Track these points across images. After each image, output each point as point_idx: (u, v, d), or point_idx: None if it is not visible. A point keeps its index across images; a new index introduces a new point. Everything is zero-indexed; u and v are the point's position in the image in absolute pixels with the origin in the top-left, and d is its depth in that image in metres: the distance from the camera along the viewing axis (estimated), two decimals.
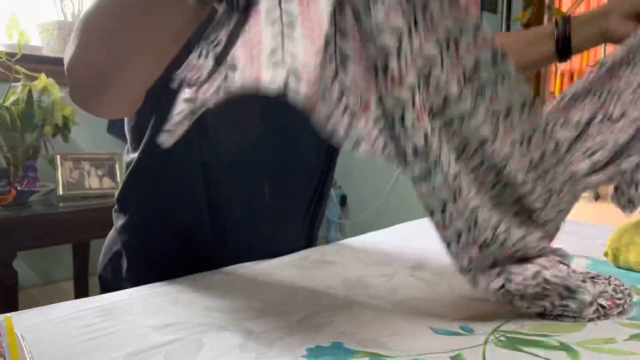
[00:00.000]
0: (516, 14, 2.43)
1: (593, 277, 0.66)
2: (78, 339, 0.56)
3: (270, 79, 0.38)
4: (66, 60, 0.61)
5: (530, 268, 0.58)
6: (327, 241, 1.09)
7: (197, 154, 0.80)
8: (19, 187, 1.78)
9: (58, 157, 1.97)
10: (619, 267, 0.84)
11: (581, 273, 0.67)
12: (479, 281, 0.58)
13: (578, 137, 0.58)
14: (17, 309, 0.59)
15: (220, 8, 0.43)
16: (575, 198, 0.59)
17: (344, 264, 0.84)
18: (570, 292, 0.58)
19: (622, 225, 0.88)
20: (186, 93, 0.41)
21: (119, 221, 0.92)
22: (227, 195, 0.82)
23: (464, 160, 0.53)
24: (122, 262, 0.92)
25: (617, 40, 0.82)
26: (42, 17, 2.29)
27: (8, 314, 0.60)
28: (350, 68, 0.46)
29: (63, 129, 1.96)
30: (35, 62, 2.05)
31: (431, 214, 0.53)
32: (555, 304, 0.59)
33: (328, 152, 1.00)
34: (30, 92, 1.83)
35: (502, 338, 0.57)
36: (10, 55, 1.86)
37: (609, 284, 0.65)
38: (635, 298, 0.70)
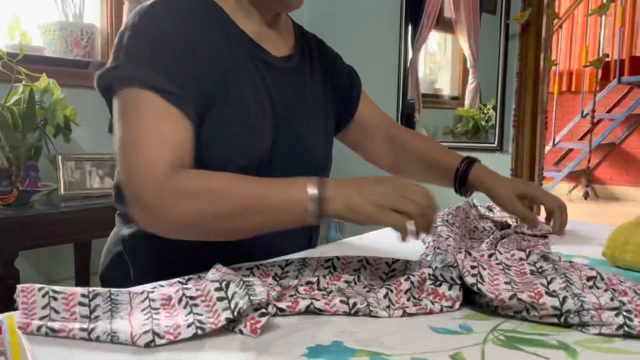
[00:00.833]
0: (515, 15, 2.42)
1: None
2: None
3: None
4: (172, 212, 0.71)
5: None
6: (327, 241, 1.09)
7: (220, 161, 0.81)
8: (20, 187, 1.79)
9: (60, 157, 1.97)
10: (617, 267, 0.85)
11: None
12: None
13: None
14: (18, 308, 0.60)
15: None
16: None
17: None
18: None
19: (621, 225, 0.88)
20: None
21: (125, 229, 0.92)
22: None
23: None
24: (125, 263, 0.92)
25: (497, 203, 0.96)
26: (44, 18, 2.30)
27: (10, 313, 0.60)
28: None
29: (64, 129, 1.96)
30: (36, 63, 2.06)
31: None
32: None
33: (329, 155, 1.01)
34: (31, 92, 1.83)
35: (501, 337, 0.57)
36: (12, 55, 1.86)
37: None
38: None
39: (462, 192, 1.00)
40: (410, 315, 0.63)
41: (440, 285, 0.66)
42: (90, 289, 0.63)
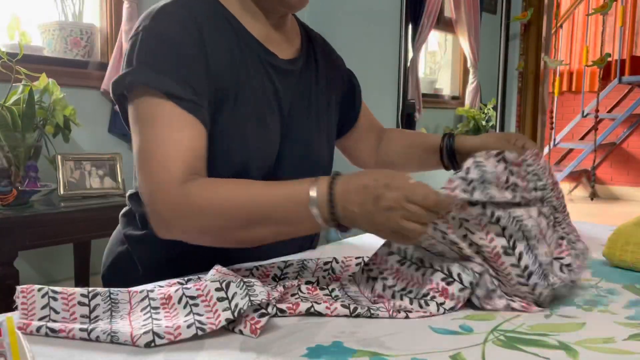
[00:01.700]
0: (515, 14, 2.42)
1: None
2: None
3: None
4: (182, 223, 0.73)
5: None
6: (328, 241, 1.09)
7: (230, 163, 0.81)
8: (20, 187, 1.79)
9: (59, 157, 1.97)
10: (618, 267, 0.84)
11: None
12: None
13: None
14: (18, 309, 0.60)
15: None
16: None
17: None
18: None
19: (621, 225, 0.88)
20: None
21: (130, 230, 0.92)
22: None
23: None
24: (127, 263, 0.92)
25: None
26: (43, 18, 2.30)
27: (9, 314, 0.60)
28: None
29: (64, 129, 1.96)
30: (36, 63, 2.06)
31: None
32: None
33: (331, 159, 1.01)
34: (31, 92, 1.83)
35: (501, 337, 0.57)
36: (12, 55, 1.86)
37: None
38: (633, 297, 0.71)
39: (452, 165, 1.01)
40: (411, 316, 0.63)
41: (451, 284, 0.65)
42: (90, 288, 0.62)
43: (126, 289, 0.65)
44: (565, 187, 5.63)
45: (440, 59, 3.04)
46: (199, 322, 0.56)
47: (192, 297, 0.60)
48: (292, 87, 0.90)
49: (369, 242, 1.01)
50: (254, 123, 0.83)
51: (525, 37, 2.44)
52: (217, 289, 0.59)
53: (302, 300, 0.65)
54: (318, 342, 0.55)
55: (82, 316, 0.60)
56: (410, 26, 2.83)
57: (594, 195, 4.63)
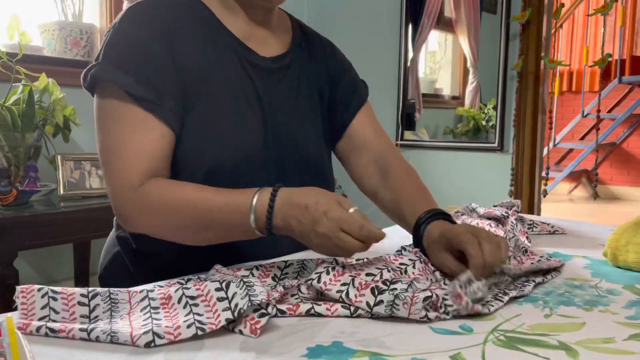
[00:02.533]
0: (515, 14, 2.42)
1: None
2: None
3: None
4: (137, 222, 0.79)
5: None
6: None
7: (202, 161, 0.81)
8: (20, 187, 1.79)
9: (59, 157, 1.97)
10: (618, 267, 0.84)
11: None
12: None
13: None
14: (18, 309, 0.60)
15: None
16: None
17: None
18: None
19: (622, 225, 0.88)
20: None
21: (122, 233, 0.92)
22: None
23: None
24: (123, 263, 0.92)
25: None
26: (43, 18, 2.30)
27: (9, 314, 0.60)
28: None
29: (64, 129, 1.96)
30: (36, 63, 2.06)
31: None
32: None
33: (328, 152, 1.00)
34: (31, 92, 1.83)
35: (501, 337, 0.57)
36: (11, 55, 1.86)
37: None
38: (634, 298, 0.71)
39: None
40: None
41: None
42: (90, 288, 0.62)
43: (126, 289, 0.65)
44: (565, 187, 5.63)
45: (440, 59, 3.04)
46: (199, 322, 0.56)
47: (192, 297, 0.60)
48: (275, 83, 0.90)
49: None
50: (231, 120, 0.83)
51: (524, 37, 2.44)
52: (217, 289, 0.59)
53: (302, 301, 0.65)
54: (318, 342, 0.55)
55: (82, 316, 0.60)
56: (410, 26, 2.83)
57: (596, 196, 4.63)
